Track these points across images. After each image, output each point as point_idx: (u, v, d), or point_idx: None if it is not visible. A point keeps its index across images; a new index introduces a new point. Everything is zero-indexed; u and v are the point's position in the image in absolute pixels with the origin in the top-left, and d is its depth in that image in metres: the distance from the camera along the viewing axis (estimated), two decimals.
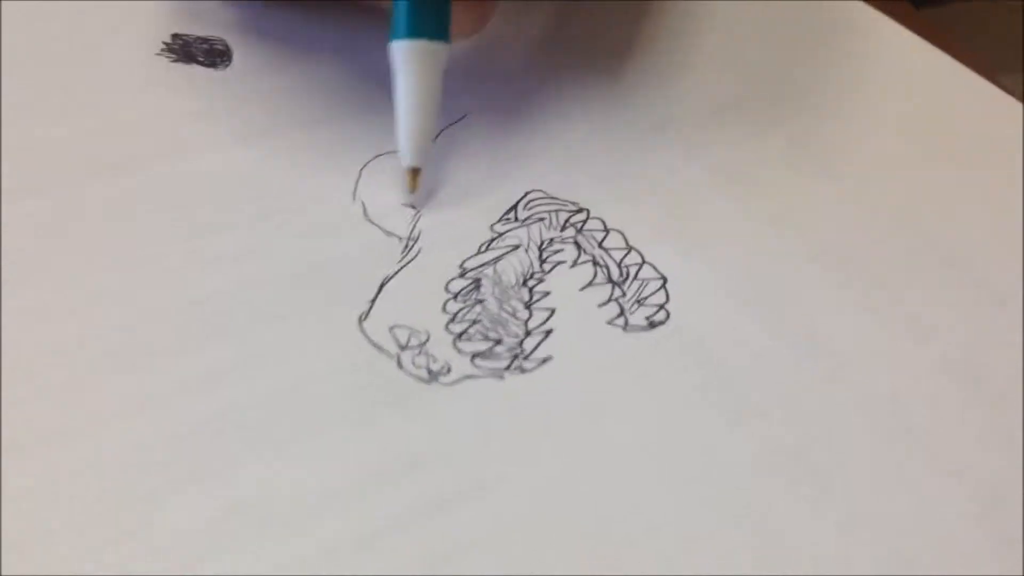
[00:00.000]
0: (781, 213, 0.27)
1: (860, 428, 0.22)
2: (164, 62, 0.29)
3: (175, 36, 0.30)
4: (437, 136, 0.28)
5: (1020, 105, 0.31)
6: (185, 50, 0.29)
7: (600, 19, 0.33)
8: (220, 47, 0.30)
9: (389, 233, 0.25)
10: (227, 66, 0.29)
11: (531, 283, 0.24)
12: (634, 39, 0.33)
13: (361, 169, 0.26)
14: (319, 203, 0.25)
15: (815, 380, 0.23)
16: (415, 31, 0.24)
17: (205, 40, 0.30)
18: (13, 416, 0.20)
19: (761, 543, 0.20)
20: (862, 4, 0.35)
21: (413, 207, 0.26)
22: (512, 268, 0.25)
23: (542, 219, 0.26)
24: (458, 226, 0.25)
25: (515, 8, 0.33)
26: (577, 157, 0.28)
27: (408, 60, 0.25)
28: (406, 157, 0.25)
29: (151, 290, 0.23)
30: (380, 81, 0.27)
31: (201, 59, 0.29)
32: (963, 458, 0.22)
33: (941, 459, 0.22)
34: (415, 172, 0.25)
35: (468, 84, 0.30)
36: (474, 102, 0.29)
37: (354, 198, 0.26)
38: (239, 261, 0.24)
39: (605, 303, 0.24)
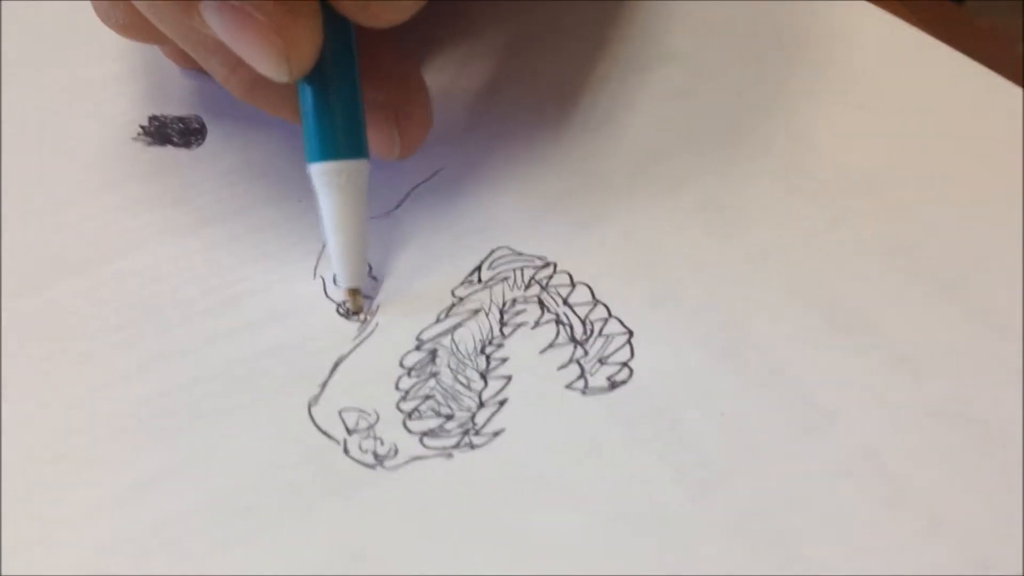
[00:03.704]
0: (766, 246, 0.26)
1: (839, 489, 0.21)
2: (140, 146, 0.29)
3: (152, 118, 0.30)
4: (408, 194, 0.28)
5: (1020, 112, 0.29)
6: (161, 132, 0.30)
7: (561, 54, 0.32)
8: (195, 125, 0.30)
9: (348, 310, 0.25)
10: (200, 144, 0.29)
11: (489, 349, 0.24)
12: (600, 74, 0.31)
13: (324, 243, 0.26)
14: (280, 283, 0.25)
15: (790, 438, 0.22)
16: (329, 152, 0.23)
17: (181, 120, 0.30)
18: None
19: None
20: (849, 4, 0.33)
21: (358, 316, 0.25)
22: (471, 335, 0.24)
23: (506, 278, 0.25)
24: (419, 295, 0.25)
25: (472, 52, 0.32)
26: (550, 205, 0.27)
27: (326, 182, 0.24)
28: (340, 280, 0.25)
29: (94, 398, 0.23)
30: None
31: (176, 140, 0.30)
32: (957, 521, 0.20)
33: (932, 522, 0.20)
34: (354, 292, 0.24)
35: (438, 134, 0.29)
36: (447, 155, 0.29)
37: (314, 275, 0.26)
38: (186, 358, 0.23)
39: (565, 365, 0.23)
